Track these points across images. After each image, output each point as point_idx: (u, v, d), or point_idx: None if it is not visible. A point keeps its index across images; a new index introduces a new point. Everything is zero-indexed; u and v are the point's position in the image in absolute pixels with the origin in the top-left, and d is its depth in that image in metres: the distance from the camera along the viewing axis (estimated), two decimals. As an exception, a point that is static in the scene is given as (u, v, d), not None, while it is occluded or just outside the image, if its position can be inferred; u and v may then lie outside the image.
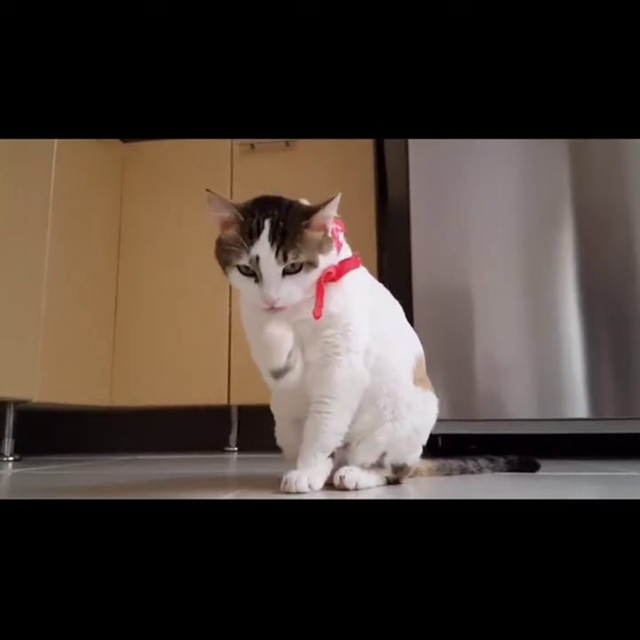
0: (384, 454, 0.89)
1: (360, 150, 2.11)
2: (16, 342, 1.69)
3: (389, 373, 0.89)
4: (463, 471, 1.08)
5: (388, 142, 2.38)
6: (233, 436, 2.20)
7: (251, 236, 0.78)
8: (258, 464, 1.50)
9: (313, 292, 0.82)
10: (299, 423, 0.88)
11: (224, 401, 2.06)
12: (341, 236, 0.87)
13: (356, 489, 0.85)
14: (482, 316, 1.61)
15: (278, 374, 0.83)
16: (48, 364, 1.80)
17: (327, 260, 0.82)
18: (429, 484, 0.97)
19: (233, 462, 1.62)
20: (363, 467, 0.88)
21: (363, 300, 0.88)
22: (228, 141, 2.20)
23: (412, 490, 0.90)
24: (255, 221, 0.79)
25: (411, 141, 1.72)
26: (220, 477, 1.17)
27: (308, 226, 0.79)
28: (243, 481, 1.06)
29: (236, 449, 2.17)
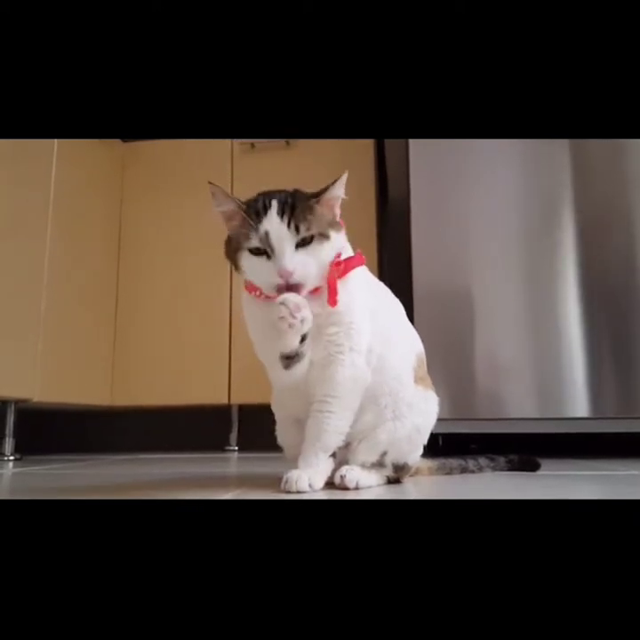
0: (385, 453, 0.89)
1: (360, 150, 2.11)
2: (17, 342, 1.69)
3: (391, 372, 0.89)
4: (463, 470, 1.08)
5: (388, 142, 2.38)
6: (233, 436, 2.20)
7: (258, 214, 0.79)
8: (258, 463, 1.50)
9: (323, 282, 0.82)
10: (300, 423, 0.88)
11: (225, 400, 2.06)
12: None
13: (356, 488, 0.85)
14: (482, 315, 1.61)
15: (289, 360, 0.82)
16: (48, 363, 1.80)
17: (338, 240, 0.82)
18: (430, 484, 0.97)
19: (233, 462, 1.62)
20: (363, 466, 0.89)
21: (365, 298, 0.88)
22: (228, 141, 2.20)
23: (412, 489, 0.90)
24: (261, 202, 0.80)
25: (411, 141, 1.72)
26: (221, 477, 1.17)
27: (317, 202, 0.81)
28: (243, 480, 1.06)
29: (236, 448, 2.17)
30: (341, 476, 0.85)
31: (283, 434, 0.95)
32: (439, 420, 0.97)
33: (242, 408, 2.20)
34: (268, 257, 0.78)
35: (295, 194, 0.82)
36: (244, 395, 2.03)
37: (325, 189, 0.82)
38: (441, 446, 1.60)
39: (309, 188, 0.85)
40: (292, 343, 0.80)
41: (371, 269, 0.96)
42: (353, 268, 0.86)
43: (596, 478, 1.05)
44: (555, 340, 1.56)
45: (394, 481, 0.93)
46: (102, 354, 2.09)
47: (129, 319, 2.16)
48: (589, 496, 0.85)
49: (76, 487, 1.00)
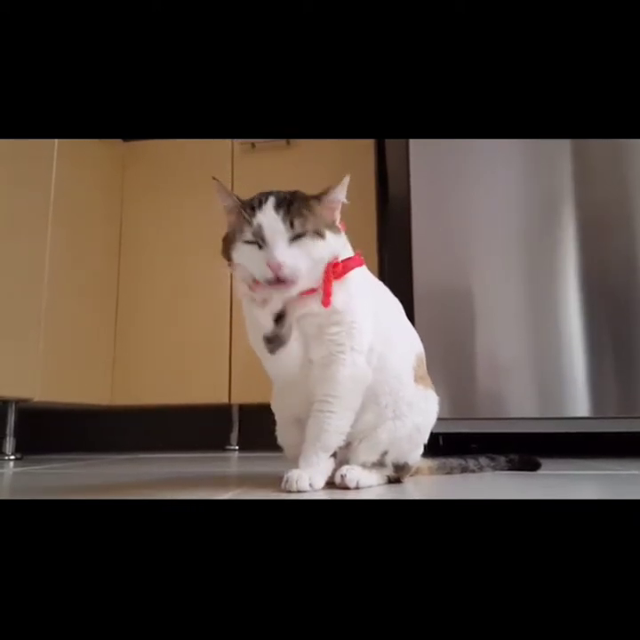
0: (385, 453, 0.89)
1: (361, 149, 2.11)
2: (17, 342, 1.70)
3: (391, 372, 0.89)
4: (464, 470, 1.08)
5: (388, 142, 2.38)
6: (234, 435, 2.20)
7: (253, 209, 0.80)
8: (259, 463, 1.50)
9: (319, 282, 0.82)
10: (300, 422, 0.88)
11: (225, 400, 2.06)
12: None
13: (357, 488, 0.85)
14: (483, 314, 1.61)
15: (271, 344, 0.84)
16: (49, 363, 1.80)
17: (335, 242, 0.82)
18: (430, 483, 0.97)
19: (234, 461, 1.62)
20: (364, 465, 0.89)
21: (365, 298, 0.88)
22: (228, 141, 2.20)
23: (412, 489, 0.90)
24: (257, 198, 0.81)
25: (411, 141, 1.72)
26: (221, 476, 1.17)
27: (317, 202, 0.82)
28: (244, 480, 1.06)
29: (236, 448, 2.17)
30: (342, 476, 0.85)
31: (283, 434, 0.95)
32: (439, 419, 0.97)
33: (242, 407, 2.20)
34: (260, 247, 0.79)
35: (295, 193, 0.82)
36: (245, 394, 2.04)
37: (326, 191, 0.82)
38: (441, 446, 1.60)
39: (310, 188, 0.85)
40: (265, 322, 0.82)
41: (371, 269, 0.96)
42: (352, 268, 0.86)
43: (596, 478, 1.05)
44: (555, 339, 1.56)
45: (394, 480, 0.93)
46: (103, 353, 2.10)
47: (129, 319, 2.17)
48: (590, 496, 0.85)
49: (77, 487, 1.00)
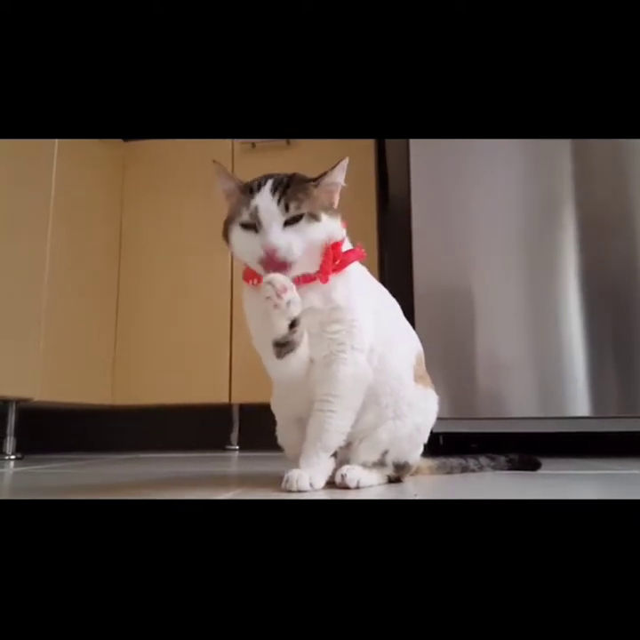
0: (386, 452, 0.89)
1: (361, 149, 2.10)
2: (17, 341, 1.70)
3: (391, 372, 0.89)
4: (464, 470, 1.08)
5: (388, 142, 2.37)
6: (234, 435, 2.20)
7: (251, 191, 0.81)
8: (259, 463, 1.50)
9: (317, 266, 0.82)
10: (301, 422, 0.88)
11: (225, 399, 2.06)
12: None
13: (357, 487, 0.85)
14: (483, 314, 1.61)
15: (280, 348, 0.82)
16: (49, 362, 1.80)
17: (331, 224, 0.82)
18: (430, 483, 0.97)
19: (234, 461, 1.62)
20: (364, 465, 0.89)
21: (366, 297, 0.89)
22: (229, 140, 2.20)
23: (413, 489, 0.90)
24: (256, 181, 0.82)
25: (412, 141, 1.72)
26: (222, 476, 1.18)
27: (315, 186, 0.82)
28: (244, 479, 1.06)
29: (237, 447, 2.17)
30: (342, 476, 0.85)
31: (283, 434, 0.95)
32: (440, 419, 0.97)
33: (243, 407, 2.20)
34: (257, 231, 0.79)
35: (294, 175, 0.83)
36: (245, 394, 2.03)
37: (325, 174, 0.83)
38: (442, 445, 1.60)
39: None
40: (281, 326, 0.80)
41: (371, 269, 0.96)
42: (352, 261, 0.86)
43: (596, 478, 1.05)
44: (555, 338, 1.56)
45: (395, 480, 0.93)
46: (103, 353, 2.10)
47: (130, 318, 2.17)
48: (590, 496, 0.85)
49: (77, 487, 1.00)
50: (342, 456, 0.88)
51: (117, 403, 2.11)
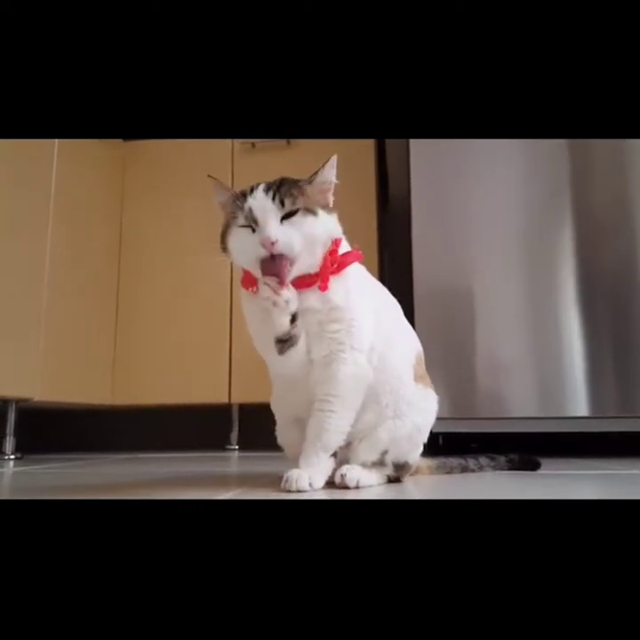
0: (385, 452, 0.89)
1: (361, 149, 2.10)
2: (17, 341, 1.70)
3: (392, 371, 0.89)
4: (464, 469, 1.08)
5: (388, 142, 2.38)
6: (234, 435, 2.20)
7: (244, 195, 0.82)
8: (259, 462, 1.50)
9: (316, 268, 0.82)
10: (300, 422, 0.88)
11: (225, 399, 2.06)
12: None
13: (357, 487, 0.85)
14: (483, 314, 1.61)
15: (283, 344, 0.83)
16: (49, 362, 1.80)
17: (329, 220, 0.83)
18: (430, 483, 0.97)
19: (234, 461, 1.62)
20: (364, 465, 0.89)
21: (365, 296, 0.89)
22: (229, 140, 2.20)
23: (413, 488, 0.90)
24: (249, 186, 0.83)
25: (411, 141, 1.72)
26: (221, 476, 1.18)
27: (308, 184, 0.83)
28: (244, 479, 1.06)
29: (236, 447, 2.17)
30: (342, 475, 0.85)
31: (283, 434, 0.95)
32: (440, 419, 0.97)
33: (242, 407, 2.20)
34: (254, 231, 0.80)
35: (283, 178, 0.84)
36: (245, 394, 2.04)
37: (315, 173, 0.84)
38: (441, 445, 1.60)
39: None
40: (283, 323, 0.82)
41: (371, 269, 0.96)
42: (350, 262, 0.86)
43: (596, 478, 1.05)
44: (555, 339, 1.56)
45: (394, 480, 0.93)
46: (103, 353, 2.10)
47: (130, 318, 2.17)
48: (590, 496, 0.85)
49: (77, 487, 1.00)
50: (342, 456, 0.88)
51: (117, 403, 2.11)
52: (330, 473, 0.85)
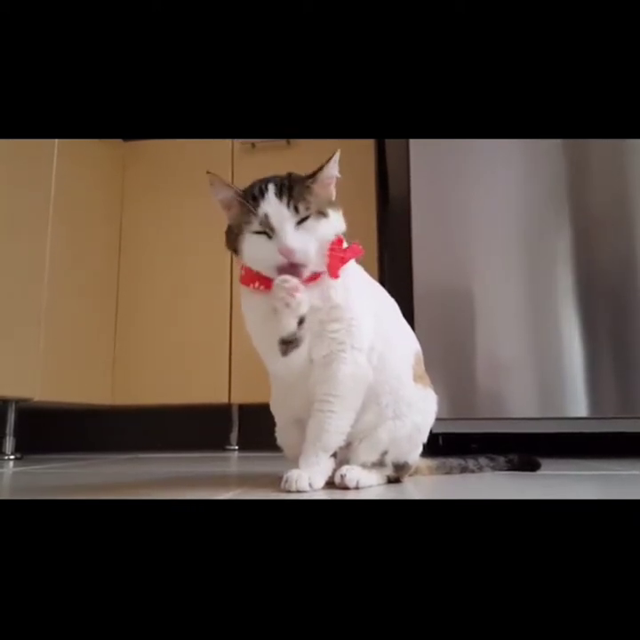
0: (385, 452, 0.89)
1: (361, 149, 2.10)
2: (17, 341, 1.70)
3: (391, 371, 0.89)
4: (463, 470, 1.08)
5: (388, 142, 2.38)
6: (234, 435, 2.20)
7: (255, 199, 0.80)
8: (259, 463, 1.50)
9: (322, 267, 0.82)
10: (300, 422, 0.88)
11: (225, 399, 2.06)
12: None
13: (356, 488, 0.85)
14: (482, 314, 1.61)
15: (287, 345, 0.83)
16: (49, 362, 1.80)
17: (336, 218, 0.84)
18: (430, 483, 0.97)
19: (234, 461, 1.62)
20: (364, 465, 0.88)
21: (364, 297, 0.89)
22: (229, 140, 2.20)
23: (412, 489, 0.90)
24: (257, 187, 0.82)
25: (411, 141, 1.72)
26: (221, 476, 1.18)
27: (313, 182, 0.83)
28: (244, 480, 1.06)
29: (236, 448, 2.17)
30: (342, 476, 0.85)
31: (283, 434, 0.95)
32: (439, 419, 0.97)
33: (242, 407, 2.20)
34: (269, 237, 0.80)
35: (290, 176, 0.83)
36: (245, 394, 2.04)
37: (320, 169, 0.84)
38: (441, 446, 1.60)
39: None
40: (290, 325, 0.81)
41: (371, 269, 0.96)
42: (349, 258, 0.86)
43: (596, 478, 1.05)
44: (555, 339, 1.57)
45: (394, 480, 0.93)
46: (103, 353, 2.10)
47: (129, 318, 2.17)
48: (590, 496, 0.85)
49: (77, 487, 1.00)
50: (342, 456, 0.88)
51: (117, 403, 2.11)
52: (330, 473, 0.85)
